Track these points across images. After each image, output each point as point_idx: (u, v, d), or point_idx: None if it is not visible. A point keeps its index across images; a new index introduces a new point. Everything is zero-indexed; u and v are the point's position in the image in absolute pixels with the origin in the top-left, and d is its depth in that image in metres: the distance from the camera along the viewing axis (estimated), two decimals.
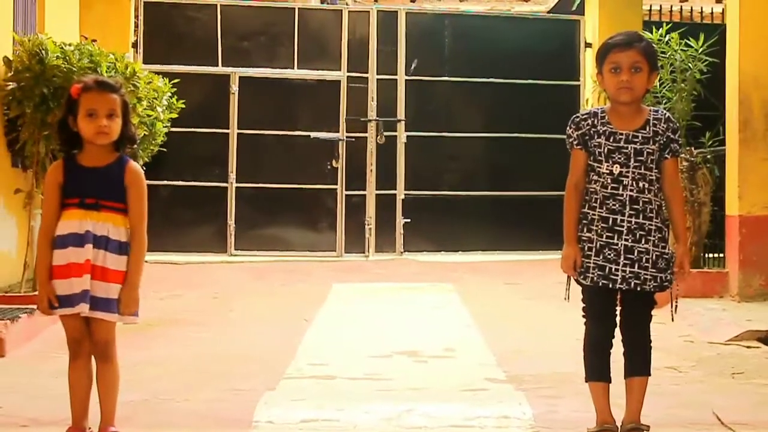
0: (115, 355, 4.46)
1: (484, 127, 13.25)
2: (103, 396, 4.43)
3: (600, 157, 4.46)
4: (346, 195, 12.74)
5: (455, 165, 13.24)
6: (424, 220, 12.91)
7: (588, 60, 13.03)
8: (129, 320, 4.40)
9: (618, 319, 4.52)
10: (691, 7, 13.44)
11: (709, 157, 9.84)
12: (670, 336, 6.92)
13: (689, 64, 10.23)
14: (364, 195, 12.81)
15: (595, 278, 4.43)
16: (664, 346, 6.29)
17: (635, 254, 4.40)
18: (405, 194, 12.90)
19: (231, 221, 12.52)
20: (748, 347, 7.12)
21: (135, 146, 4.65)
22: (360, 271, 11.73)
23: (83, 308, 4.28)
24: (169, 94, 9.80)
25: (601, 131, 4.47)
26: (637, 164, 4.42)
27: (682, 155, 8.67)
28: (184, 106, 10.12)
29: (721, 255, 9.50)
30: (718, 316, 8.04)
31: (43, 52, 7.99)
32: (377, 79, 12.89)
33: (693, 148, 9.70)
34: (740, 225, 8.97)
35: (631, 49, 4.43)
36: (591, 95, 12.26)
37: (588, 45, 13.08)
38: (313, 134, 12.64)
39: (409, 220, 12.83)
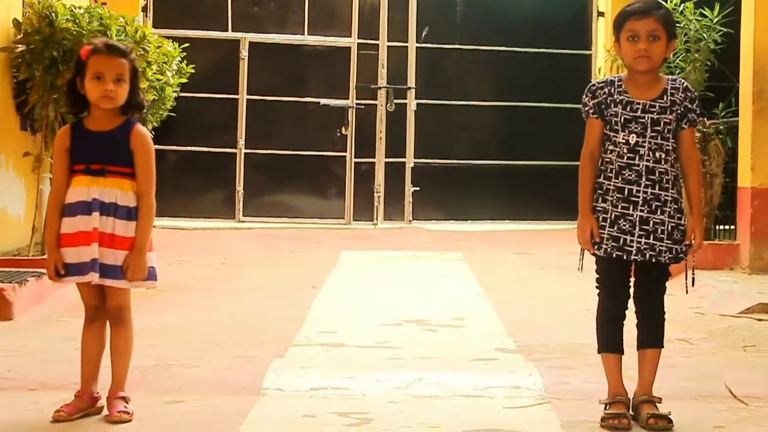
0: (130, 320, 4.46)
1: (495, 95, 13.17)
2: (114, 361, 4.43)
3: (616, 127, 4.40)
4: (356, 162, 12.70)
5: (465, 133, 13.18)
6: (434, 189, 12.86)
7: (600, 29, 12.94)
8: (148, 285, 4.39)
9: (632, 290, 4.49)
10: None
11: (721, 128, 9.78)
12: (681, 308, 6.86)
13: (703, 34, 10.14)
14: (374, 163, 12.77)
15: (610, 249, 4.38)
16: (675, 317, 6.22)
17: (651, 225, 4.35)
18: (414, 162, 12.85)
19: (239, 187, 12.49)
20: (760, 320, 7.08)
21: (143, 112, 4.60)
22: (368, 239, 11.71)
23: (93, 277, 4.26)
24: (179, 58, 9.75)
25: (617, 100, 4.41)
26: (653, 134, 4.36)
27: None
28: (193, 71, 10.06)
29: (733, 227, 9.45)
30: (729, 288, 8.00)
31: (53, 14, 7.93)
32: (388, 47, 12.82)
33: (706, 119, 9.62)
34: (752, 197, 8.91)
35: (649, 17, 4.36)
36: (603, 64, 12.16)
37: (600, 14, 12.98)
38: (322, 101, 12.58)
39: (418, 189, 12.79)
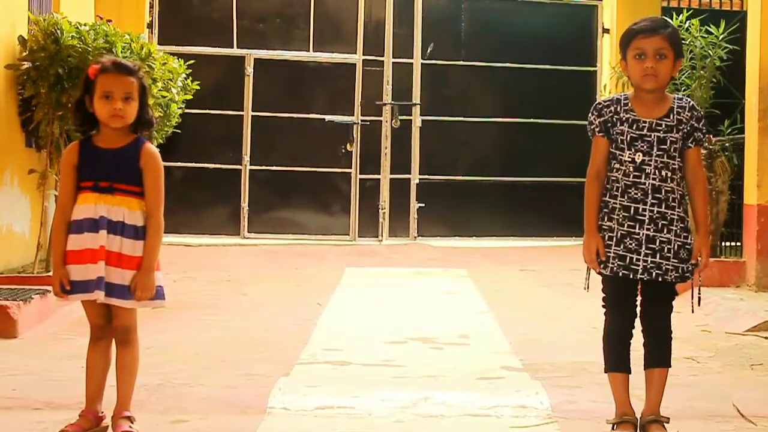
0: (136, 340, 4.44)
1: (500, 112, 13.15)
2: (120, 380, 4.40)
3: (622, 145, 4.39)
4: (360, 179, 12.68)
5: (470, 150, 13.15)
6: (438, 205, 12.84)
7: (605, 46, 12.94)
8: (156, 304, 4.36)
9: (638, 309, 4.47)
10: None
11: (727, 145, 9.76)
12: (687, 325, 6.85)
13: (709, 51, 10.15)
14: (378, 179, 12.75)
15: (616, 268, 4.36)
16: (681, 335, 6.20)
17: (657, 244, 4.33)
18: (419, 179, 12.83)
19: (244, 204, 12.47)
20: (766, 338, 7.04)
21: (152, 130, 4.59)
22: (373, 256, 11.68)
23: (99, 295, 4.23)
24: (184, 75, 9.74)
25: (624, 118, 4.40)
26: (660, 153, 4.35)
27: None
28: (198, 87, 10.06)
29: (739, 244, 9.42)
30: (736, 305, 7.96)
31: (59, 31, 7.94)
32: (393, 63, 12.81)
33: (711, 136, 9.61)
34: (758, 214, 8.88)
35: (656, 35, 4.35)
36: (609, 81, 12.16)
37: (606, 30, 12.99)
38: (327, 117, 12.57)
39: (423, 205, 12.77)
